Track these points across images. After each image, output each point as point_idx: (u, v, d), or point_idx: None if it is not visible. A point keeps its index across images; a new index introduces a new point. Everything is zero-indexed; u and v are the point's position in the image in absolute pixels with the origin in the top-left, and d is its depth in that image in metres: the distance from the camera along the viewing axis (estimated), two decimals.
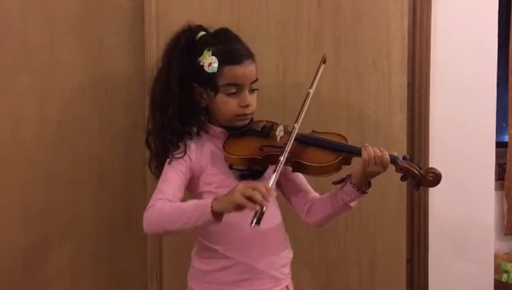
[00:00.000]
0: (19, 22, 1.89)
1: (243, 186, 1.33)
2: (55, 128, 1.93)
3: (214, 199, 1.38)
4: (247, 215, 1.53)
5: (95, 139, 1.97)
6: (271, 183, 1.36)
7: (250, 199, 1.30)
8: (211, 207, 1.36)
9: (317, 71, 1.64)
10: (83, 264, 1.99)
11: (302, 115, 1.55)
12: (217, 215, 1.37)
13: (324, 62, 1.68)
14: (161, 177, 1.56)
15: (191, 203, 1.45)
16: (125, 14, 1.97)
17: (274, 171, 1.40)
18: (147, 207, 1.49)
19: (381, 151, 1.50)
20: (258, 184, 1.33)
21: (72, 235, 1.97)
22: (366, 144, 1.52)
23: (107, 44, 1.96)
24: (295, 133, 1.50)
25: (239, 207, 1.33)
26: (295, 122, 1.53)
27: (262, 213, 1.30)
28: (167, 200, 1.48)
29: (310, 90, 1.59)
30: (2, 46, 1.88)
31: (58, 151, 1.94)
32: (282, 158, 1.42)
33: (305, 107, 1.56)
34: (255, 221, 1.30)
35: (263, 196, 1.30)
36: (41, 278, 1.96)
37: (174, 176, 1.54)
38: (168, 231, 1.51)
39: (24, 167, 1.91)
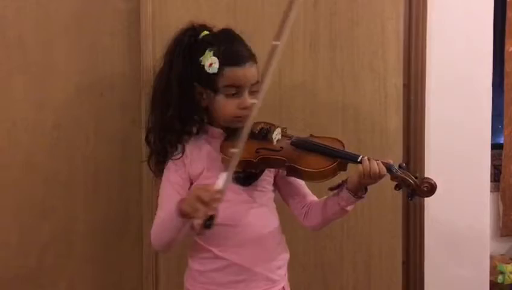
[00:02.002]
0: (14, 23, 1.89)
1: (192, 195, 1.36)
2: (51, 129, 1.93)
3: (178, 202, 1.41)
4: (243, 217, 1.56)
5: (91, 140, 1.97)
6: (221, 183, 1.35)
7: (196, 210, 1.33)
8: (180, 210, 1.39)
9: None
10: (78, 265, 1.98)
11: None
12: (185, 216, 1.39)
13: None
14: (160, 192, 1.58)
15: (166, 213, 1.48)
16: (121, 16, 1.97)
17: (225, 170, 1.38)
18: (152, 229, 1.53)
19: (377, 164, 1.48)
20: (203, 192, 1.33)
21: (68, 237, 1.97)
22: (364, 157, 1.50)
23: (102, 45, 1.96)
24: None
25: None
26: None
27: (209, 220, 1.33)
28: None
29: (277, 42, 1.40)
30: None
31: (54, 153, 1.94)
32: (237, 150, 1.39)
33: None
34: (203, 228, 1.33)
35: (207, 205, 1.31)
36: (37, 280, 1.95)
37: (170, 190, 1.56)
38: (168, 243, 1.51)
39: (20, 168, 1.91)
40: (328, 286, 2.14)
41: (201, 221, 1.33)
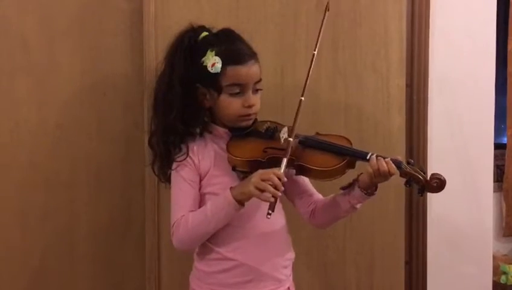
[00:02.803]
0: (17, 23, 1.89)
1: (257, 178, 1.42)
2: (54, 130, 1.93)
3: (232, 189, 1.48)
4: (250, 217, 1.55)
5: (93, 141, 1.96)
6: (282, 169, 1.43)
7: (264, 191, 1.40)
8: (234, 198, 1.46)
9: (322, 23, 1.63)
10: (80, 266, 1.98)
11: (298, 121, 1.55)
12: (240, 202, 1.47)
13: (328, 9, 1.66)
14: (174, 191, 1.58)
15: (210, 205, 1.51)
16: (124, 16, 1.97)
17: (284, 156, 1.45)
18: (172, 228, 1.54)
19: (386, 163, 1.48)
20: (271, 174, 1.41)
21: (70, 238, 1.96)
22: (373, 155, 1.50)
23: (105, 45, 1.96)
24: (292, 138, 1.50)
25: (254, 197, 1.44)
26: (290, 135, 1.52)
27: (275, 202, 1.40)
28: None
29: (302, 98, 1.57)
30: (0, 48, 1.88)
31: (57, 153, 1.93)
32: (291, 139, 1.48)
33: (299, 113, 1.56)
34: (270, 212, 1.39)
35: (276, 187, 1.39)
36: (39, 280, 1.95)
37: (186, 187, 1.56)
38: (204, 239, 1.56)
39: (22, 168, 1.91)
40: (331, 285, 2.14)
41: (273, 201, 1.39)
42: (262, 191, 1.40)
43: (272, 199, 1.39)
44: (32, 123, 1.91)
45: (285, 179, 1.41)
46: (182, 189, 1.56)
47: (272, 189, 1.39)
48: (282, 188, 1.41)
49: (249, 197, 1.45)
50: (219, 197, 1.50)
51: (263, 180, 1.41)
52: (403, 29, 2.13)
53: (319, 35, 1.61)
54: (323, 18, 1.64)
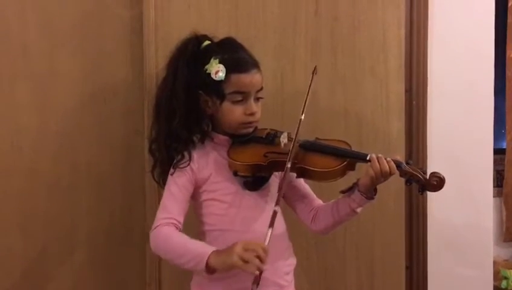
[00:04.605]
0: (17, 30, 1.90)
1: (241, 248, 1.36)
2: (54, 136, 1.94)
3: (213, 253, 1.41)
4: (252, 223, 1.56)
5: (94, 147, 1.97)
6: (267, 241, 1.37)
7: (247, 262, 1.34)
8: (207, 261, 1.39)
9: (310, 84, 1.63)
10: (81, 272, 1.98)
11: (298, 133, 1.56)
12: (211, 269, 1.41)
13: (315, 73, 1.66)
14: (165, 193, 1.57)
15: (194, 246, 1.46)
16: (124, 23, 1.98)
17: (270, 226, 1.40)
18: (154, 226, 1.51)
19: (387, 162, 1.50)
20: (256, 246, 1.35)
21: (71, 243, 1.97)
22: (372, 155, 1.52)
23: (105, 52, 1.97)
24: (292, 151, 1.51)
25: (235, 268, 1.37)
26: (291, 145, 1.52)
27: (260, 276, 1.33)
28: (173, 223, 1.50)
29: (302, 116, 1.57)
30: (1, 54, 1.89)
31: (57, 160, 1.94)
32: (276, 208, 1.44)
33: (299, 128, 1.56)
34: (255, 286, 1.33)
35: (260, 259, 1.33)
36: (40, 286, 1.96)
37: (177, 191, 1.55)
38: (171, 262, 1.52)
39: (23, 175, 1.91)
40: None
41: (258, 274, 1.33)
42: (246, 262, 1.34)
43: (257, 272, 1.33)
44: (33, 129, 1.92)
45: (268, 254, 1.36)
46: (173, 193, 1.55)
47: (256, 261, 1.33)
48: (267, 261, 1.35)
49: (230, 268, 1.39)
50: (205, 248, 1.44)
51: (247, 250, 1.35)
52: (402, 35, 2.13)
53: (306, 100, 1.59)
54: (311, 82, 1.63)
